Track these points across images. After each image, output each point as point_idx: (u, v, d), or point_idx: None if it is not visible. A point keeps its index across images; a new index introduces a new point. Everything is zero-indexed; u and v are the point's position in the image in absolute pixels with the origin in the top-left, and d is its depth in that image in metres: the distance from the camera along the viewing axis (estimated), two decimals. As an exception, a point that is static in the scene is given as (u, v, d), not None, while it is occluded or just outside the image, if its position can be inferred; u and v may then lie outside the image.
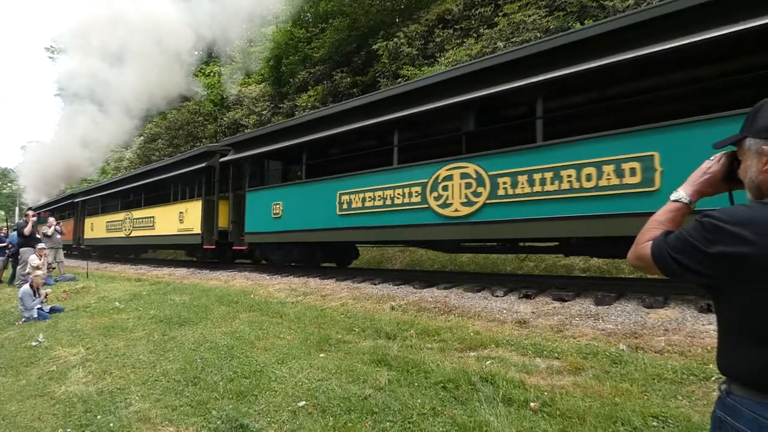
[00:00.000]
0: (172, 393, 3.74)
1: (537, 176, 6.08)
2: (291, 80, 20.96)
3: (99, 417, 3.41)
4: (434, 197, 7.22)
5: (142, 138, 29.70)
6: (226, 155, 11.90)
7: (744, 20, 4.62)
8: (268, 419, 3.15)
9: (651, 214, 1.28)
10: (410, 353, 4.20)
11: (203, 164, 12.29)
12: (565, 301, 5.65)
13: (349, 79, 18.02)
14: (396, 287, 7.49)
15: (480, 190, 6.65)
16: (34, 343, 5.77)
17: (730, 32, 4.66)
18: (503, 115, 7.57)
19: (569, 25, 11.02)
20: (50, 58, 48.46)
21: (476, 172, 6.70)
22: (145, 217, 15.59)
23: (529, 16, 12.18)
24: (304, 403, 3.31)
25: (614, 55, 5.45)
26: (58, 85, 45.05)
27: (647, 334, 4.19)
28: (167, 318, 6.34)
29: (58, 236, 13.22)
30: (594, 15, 10.73)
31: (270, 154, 10.84)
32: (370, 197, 8.21)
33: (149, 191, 15.78)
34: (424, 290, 7.04)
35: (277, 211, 10.17)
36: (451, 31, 15.33)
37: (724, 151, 1.28)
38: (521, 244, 7.62)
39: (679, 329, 4.22)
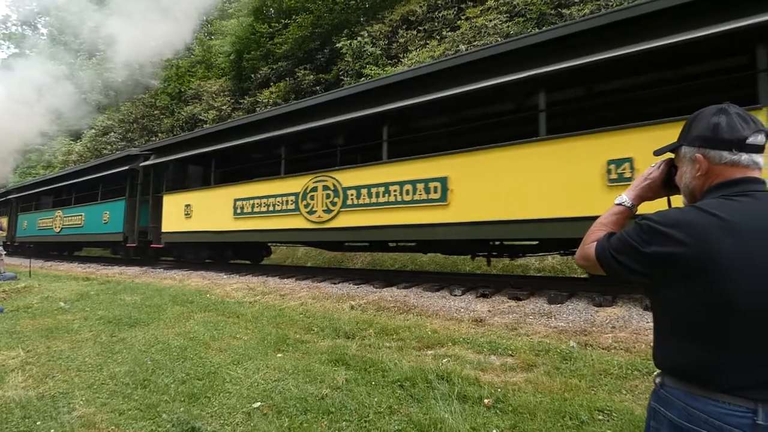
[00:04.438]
0: (120, 396, 3.59)
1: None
2: (252, 76, 20.55)
3: (39, 423, 3.23)
4: (59, 222, 16.98)
5: (93, 131, 28.35)
6: (12, 194, 21.93)
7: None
8: (221, 421, 3.07)
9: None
10: (368, 352, 4.20)
11: (3, 199, 22.67)
12: (520, 300, 5.81)
13: (312, 76, 17.85)
14: (356, 287, 7.48)
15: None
16: (-32, 346, 5.41)
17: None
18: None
19: (529, 29, 11.32)
20: None
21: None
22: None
23: (491, 20, 12.44)
24: (259, 404, 3.25)
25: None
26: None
27: (596, 332, 4.36)
28: (116, 319, 6.09)
29: (-1, 233, 12.54)
30: (552, 22, 11.05)
31: (26, 196, 20.18)
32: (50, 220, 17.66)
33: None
34: (384, 289, 7.06)
35: (24, 226, 19.97)
36: (415, 32, 15.45)
37: (663, 159, 1.35)
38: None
39: (626, 326, 4.41)
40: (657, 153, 1.32)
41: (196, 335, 5.09)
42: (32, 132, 31.73)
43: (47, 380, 4.04)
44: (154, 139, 23.53)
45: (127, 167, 13.34)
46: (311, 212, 8.62)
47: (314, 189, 8.57)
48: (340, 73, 16.63)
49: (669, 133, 5.12)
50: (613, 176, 5.43)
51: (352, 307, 6.08)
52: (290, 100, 16.67)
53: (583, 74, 6.20)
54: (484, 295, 6.16)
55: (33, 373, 4.24)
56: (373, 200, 7.60)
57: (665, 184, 1.34)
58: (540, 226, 5.99)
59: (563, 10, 11.03)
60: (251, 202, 9.76)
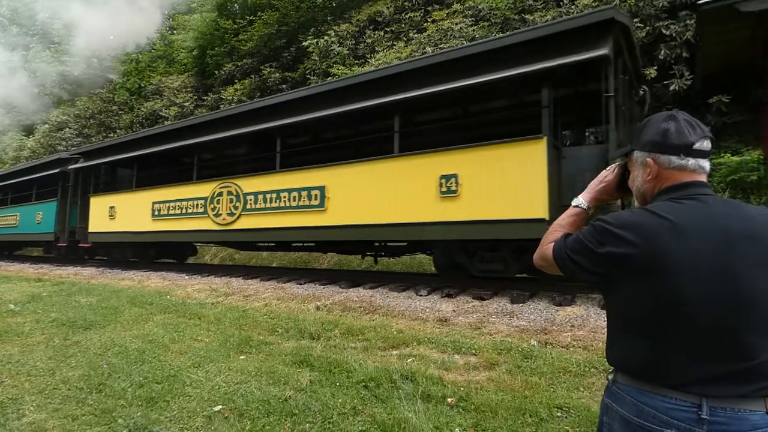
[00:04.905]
0: (73, 402, 3.45)
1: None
2: (216, 72, 20.10)
3: (-16, 432, 3.07)
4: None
5: (46, 126, 27.06)
6: None
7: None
8: (181, 425, 2.99)
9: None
10: (333, 353, 4.19)
11: None
12: (484, 299, 5.91)
13: (278, 74, 17.58)
14: (322, 287, 7.44)
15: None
16: None
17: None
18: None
19: (494, 33, 11.53)
20: None
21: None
22: None
23: (456, 24, 12.59)
24: (220, 407, 3.19)
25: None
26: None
27: (556, 330, 4.49)
28: (70, 321, 5.84)
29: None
30: (515, 27, 11.29)
31: None
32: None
33: None
34: (350, 290, 7.05)
35: None
36: (382, 33, 15.47)
37: (618, 163, 1.41)
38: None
39: (584, 325, 4.55)
40: (614, 156, 1.38)
41: (155, 338, 4.94)
42: None
43: (-7, 387, 3.83)
44: (112, 135, 22.66)
45: (58, 170, 14.05)
46: (217, 215, 9.51)
47: (220, 194, 9.48)
48: (307, 71, 16.44)
49: (483, 155, 5.75)
50: (444, 189, 6.32)
51: (317, 308, 6.04)
52: (255, 97, 16.39)
53: (430, 101, 7.19)
54: (449, 295, 6.23)
55: (-22, 379, 4.01)
56: (269, 205, 8.53)
57: (619, 186, 1.41)
58: (400, 229, 6.89)
59: (527, 16, 11.27)
60: (167, 205, 10.66)
